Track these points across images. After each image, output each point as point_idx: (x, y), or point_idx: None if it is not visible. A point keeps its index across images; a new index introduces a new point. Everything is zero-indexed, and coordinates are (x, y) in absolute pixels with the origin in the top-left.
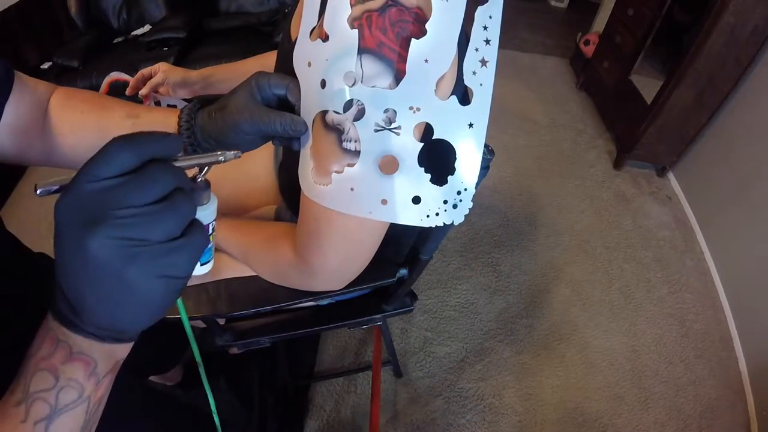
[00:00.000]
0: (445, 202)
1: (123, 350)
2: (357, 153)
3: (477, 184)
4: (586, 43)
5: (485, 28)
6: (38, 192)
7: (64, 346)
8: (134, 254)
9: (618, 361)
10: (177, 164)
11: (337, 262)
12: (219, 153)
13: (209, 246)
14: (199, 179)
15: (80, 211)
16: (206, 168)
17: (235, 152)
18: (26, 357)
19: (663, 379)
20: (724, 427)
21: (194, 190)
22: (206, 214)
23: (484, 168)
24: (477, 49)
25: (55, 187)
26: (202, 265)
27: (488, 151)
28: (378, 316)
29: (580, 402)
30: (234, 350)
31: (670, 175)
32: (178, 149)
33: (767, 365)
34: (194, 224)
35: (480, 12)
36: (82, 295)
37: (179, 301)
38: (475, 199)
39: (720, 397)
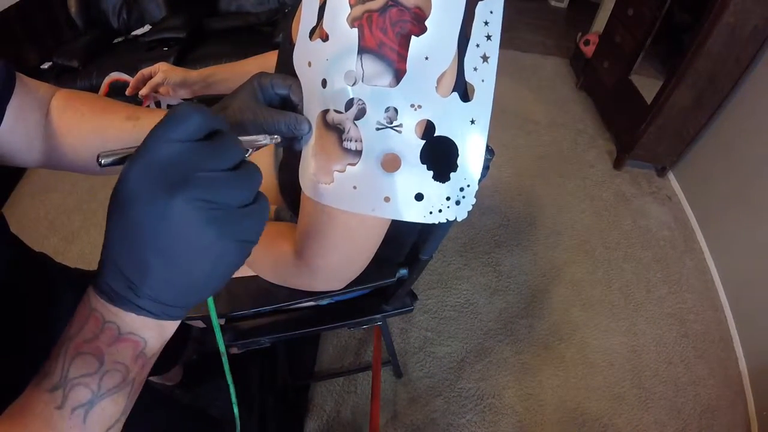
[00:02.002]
0: (448, 198)
1: (172, 328)
2: (358, 153)
3: (479, 180)
4: (586, 43)
5: (486, 23)
6: (102, 162)
7: (111, 326)
8: (215, 217)
9: (618, 361)
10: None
11: (337, 262)
12: (262, 136)
13: None
14: (247, 157)
15: (158, 175)
16: (250, 150)
17: (274, 137)
18: (63, 339)
19: (663, 379)
20: (724, 427)
21: None
22: None
23: (484, 168)
24: (478, 45)
25: (118, 157)
26: None
27: (488, 151)
28: (378, 316)
29: (580, 402)
30: (234, 350)
31: (670, 175)
32: (227, 128)
33: (767, 365)
34: (260, 194)
35: (480, 7)
36: (148, 264)
37: (210, 299)
38: (475, 197)
39: (720, 397)
